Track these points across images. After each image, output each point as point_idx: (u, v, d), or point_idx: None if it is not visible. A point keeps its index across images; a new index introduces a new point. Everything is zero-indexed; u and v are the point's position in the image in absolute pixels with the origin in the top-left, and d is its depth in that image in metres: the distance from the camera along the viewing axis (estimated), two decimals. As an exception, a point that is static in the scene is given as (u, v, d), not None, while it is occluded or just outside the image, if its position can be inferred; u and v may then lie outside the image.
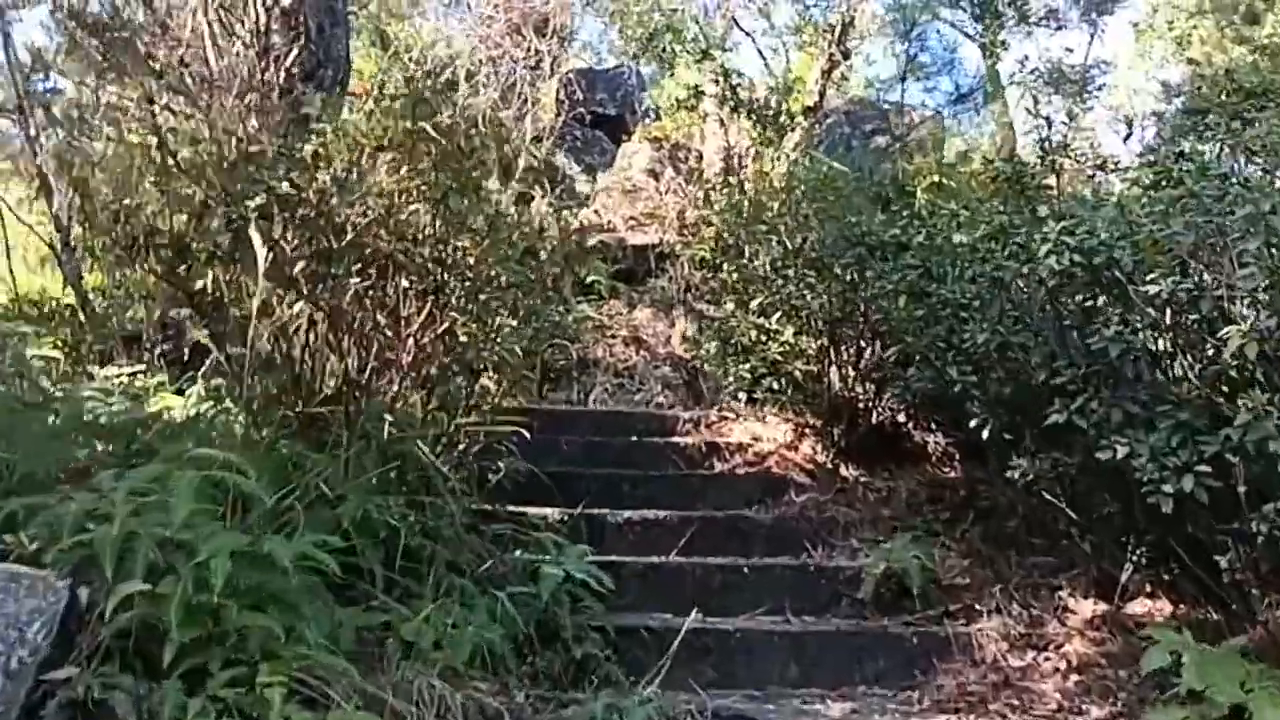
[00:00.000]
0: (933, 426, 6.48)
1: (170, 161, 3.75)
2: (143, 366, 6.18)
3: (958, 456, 6.37)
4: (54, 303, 7.47)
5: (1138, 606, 4.66)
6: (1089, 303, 4.22)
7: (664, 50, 11.69)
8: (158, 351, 6.52)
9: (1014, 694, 4.27)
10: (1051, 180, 4.52)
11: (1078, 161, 4.51)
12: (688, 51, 11.41)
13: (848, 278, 5.93)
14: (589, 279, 10.07)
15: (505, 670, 3.81)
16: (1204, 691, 3.48)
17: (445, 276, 3.93)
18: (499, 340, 4.21)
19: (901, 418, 6.59)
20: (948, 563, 5.21)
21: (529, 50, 13.11)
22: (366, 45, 13.94)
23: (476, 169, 4.14)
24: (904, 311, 5.21)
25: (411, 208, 4.01)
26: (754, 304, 6.82)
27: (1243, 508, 3.56)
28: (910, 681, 4.47)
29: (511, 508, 5.20)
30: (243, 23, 6.75)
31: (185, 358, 6.15)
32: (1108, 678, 4.24)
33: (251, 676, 2.85)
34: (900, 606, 4.94)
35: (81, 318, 6.99)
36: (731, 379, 7.01)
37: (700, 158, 12.64)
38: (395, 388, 4.12)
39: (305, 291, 3.81)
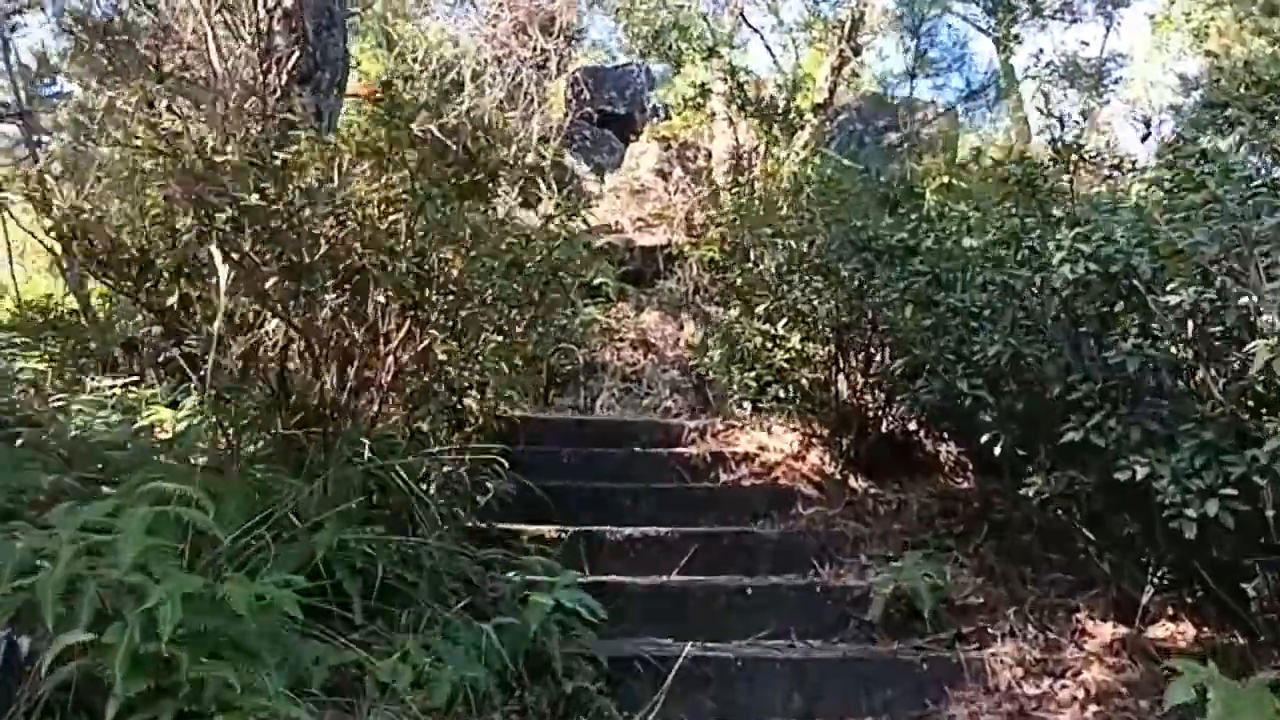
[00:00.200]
0: (945, 435, 6.27)
1: (137, 169, 3.56)
2: (136, 377, 6.05)
3: (971, 467, 6.17)
4: (59, 309, 7.37)
5: (1159, 630, 4.44)
6: (1106, 310, 4.00)
7: (670, 48, 11.48)
8: (160, 359, 6.37)
9: (1029, 726, 4.07)
10: (1065, 182, 4.28)
11: (1093, 163, 4.26)
12: (694, 49, 11.19)
13: (854, 284, 5.71)
14: (596, 281, 9.93)
15: (490, 708, 3.60)
16: (1231, 729, 3.26)
17: (426, 292, 3.73)
18: (481, 359, 4.00)
19: (913, 426, 6.38)
20: (960, 581, 5.00)
21: (535, 49, 12.96)
22: (372, 46, 13.83)
23: (467, 173, 3.93)
24: (911, 321, 4.99)
25: (391, 218, 3.82)
26: (759, 309, 6.61)
27: (1271, 533, 3.35)
28: (920, 711, 4.26)
29: (506, 525, 5.06)
30: (244, 24, 6.64)
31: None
32: (1129, 708, 4.02)
33: (205, 731, 2.66)
34: (910, 629, 4.74)
35: (84, 324, 6.87)
36: (736, 387, 6.79)
37: (709, 156, 12.49)
38: (376, 407, 3.92)
39: (278, 308, 3.62)
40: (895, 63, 18.36)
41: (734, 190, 9.26)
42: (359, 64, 13.53)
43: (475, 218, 4.02)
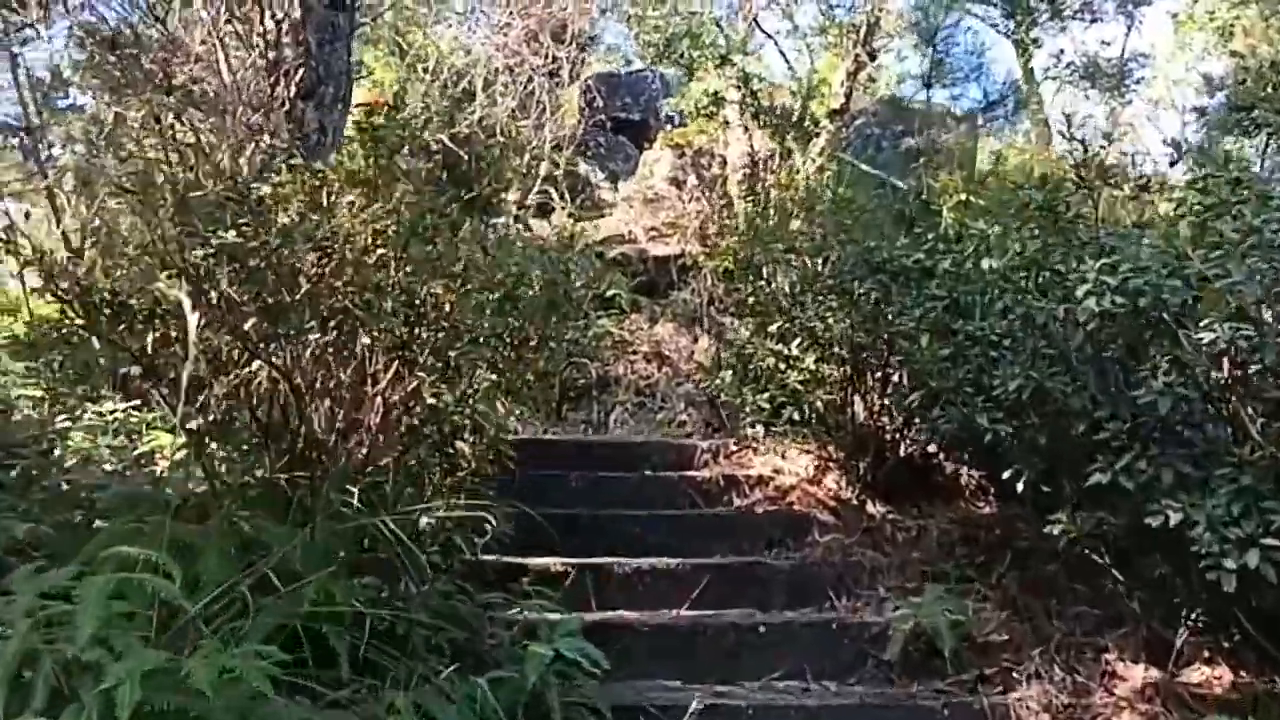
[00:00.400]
0: (966, 458, 6.05)
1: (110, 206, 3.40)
2: (138, 401, 5.92)
3: (993, 491, 5.93)
4: (71, 325, 7.26)
5: (1194, 674, 4.20)
6: (1134, 343, 3.77)
7: (682, 56, 11.29)
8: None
9: (1057, 780, 3.86)
10: (1089, 207, 4.05)
11: (1118, 187, 4.04)
12: (707, 57, 10.99)
13: (869, 305, 5.50)
14: (609, 293, 9.77)
15: (485, 768, 3.42)
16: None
17: (415, 330, 3.55)
18: (473, 401, 3.82)
19: (932, 448, 6.15)
20: (982, 616, 4.77)
21: (548, 57, 12.80)
22: (385, 54, 13.73)
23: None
24: (928, 351, 4.75)
25: (379, 252, 3.64)
26: (772, 328, 6.39)
27: (1315, 583, 3.13)
28: (941, 762, 4.06)
29: (510, 559, 4.89)
30: (253, 33, 6.57)
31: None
32: (1163, 761, 3.80)
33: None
34: (930, 668, 4.52)
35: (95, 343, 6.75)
36: (750, 410, 6.58)
37: (724, 164, 12.27)
38: (365, 451, 3.74)
39: (258, 349, 3.45)
40: (912, 64, 18.13)
41: (748, 199, 9.07)
42: (371, 72, 13.44)
43: (467, 250, 3.84)
